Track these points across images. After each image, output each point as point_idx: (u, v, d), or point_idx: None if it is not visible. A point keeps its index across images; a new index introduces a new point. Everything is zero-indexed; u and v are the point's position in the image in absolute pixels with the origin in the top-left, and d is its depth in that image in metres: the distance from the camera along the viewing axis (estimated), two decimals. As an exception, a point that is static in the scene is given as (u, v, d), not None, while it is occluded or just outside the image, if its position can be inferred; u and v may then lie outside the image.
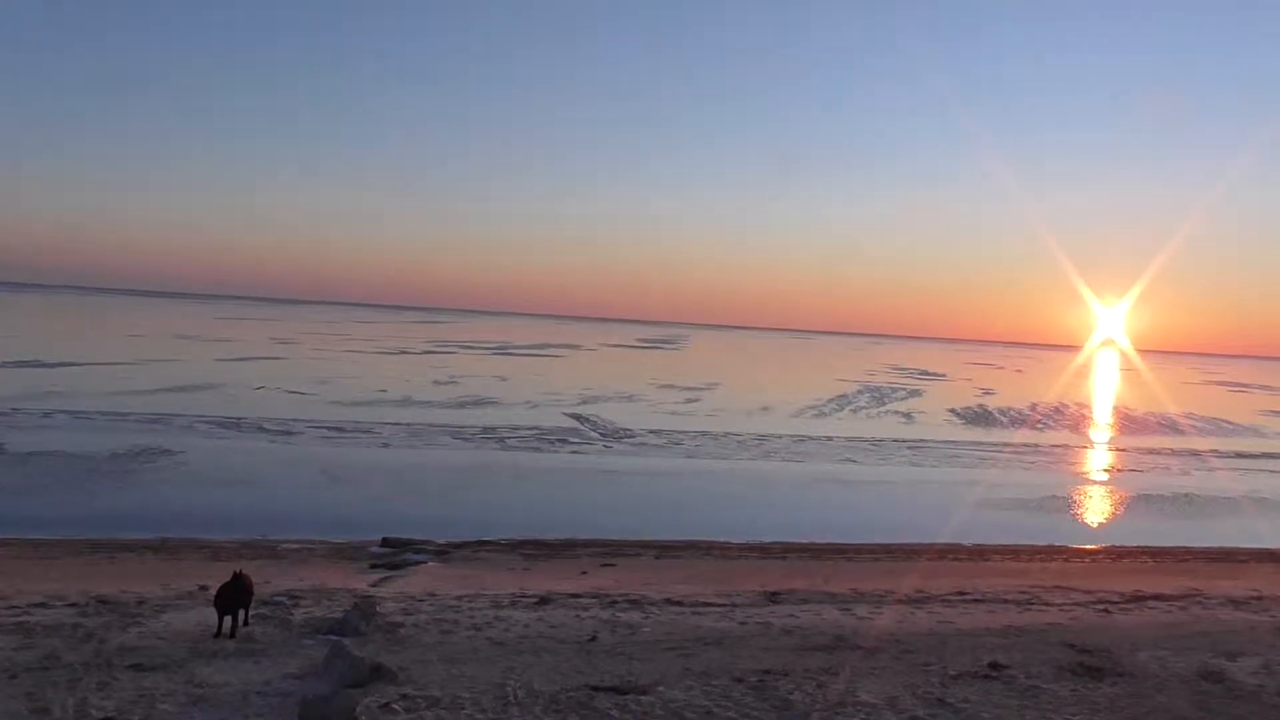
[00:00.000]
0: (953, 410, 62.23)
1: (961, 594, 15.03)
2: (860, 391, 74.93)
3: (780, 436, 41.30)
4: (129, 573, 15.30)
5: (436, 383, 60.62)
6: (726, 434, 41.03)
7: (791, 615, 12.86)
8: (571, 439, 37.18)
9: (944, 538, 22.03)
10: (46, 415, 35.25)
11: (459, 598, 13.28)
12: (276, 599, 12.37)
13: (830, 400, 64.21)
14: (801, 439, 41.07)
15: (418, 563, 17.36)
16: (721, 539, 21.12)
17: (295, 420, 37.53)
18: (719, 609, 13.12)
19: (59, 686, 8.46)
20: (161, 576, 14.61)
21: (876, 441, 41.88)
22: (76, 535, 18.76)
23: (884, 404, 64.15)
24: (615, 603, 13.28)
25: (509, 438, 36.46)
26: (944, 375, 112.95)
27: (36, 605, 11.84)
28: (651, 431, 40.42)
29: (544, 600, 13.24)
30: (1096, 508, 30.02)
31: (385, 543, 18.99)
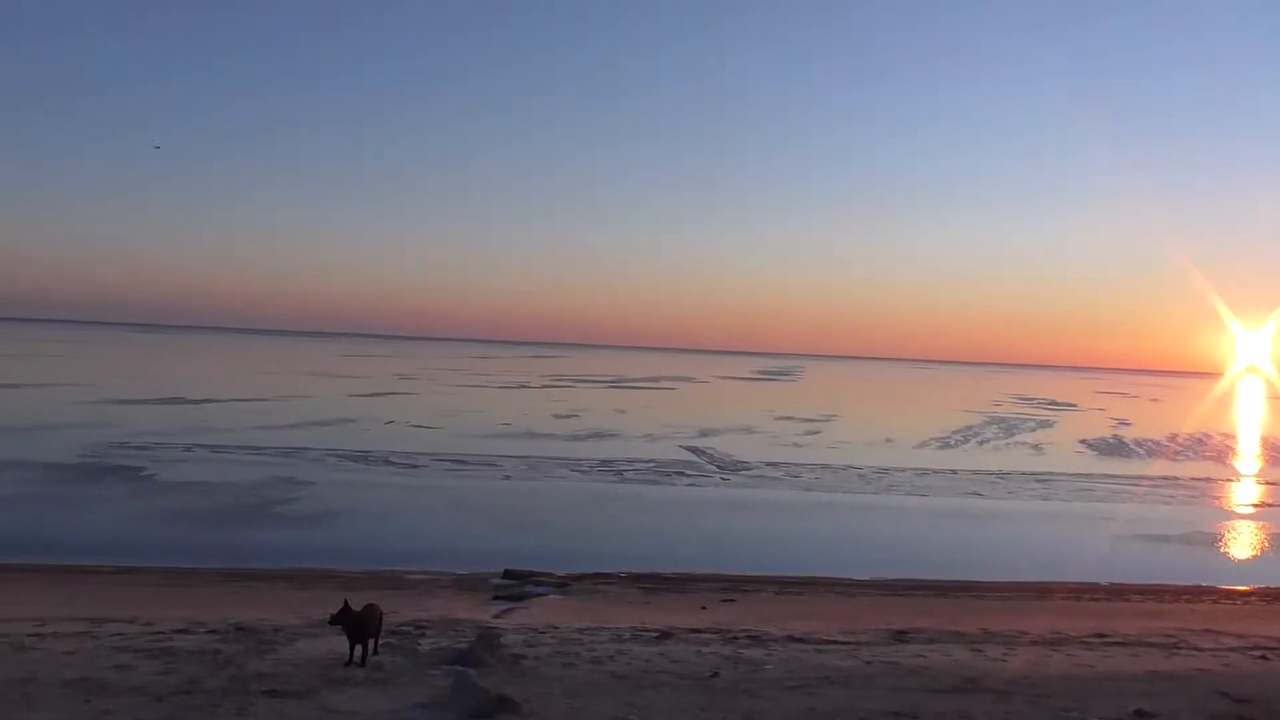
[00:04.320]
0: (1084, 441, 59.64)
1: (1100, 636, 14.27)
2: (986, 423, 72.60)
3: (902, 469, 40.29)
4: (264, 601, 15.88)
5: (555, 416, 61.44)
6: (847, 467, 40.27)
7: (919, 655, 12.43)
8: (688, 471, 37.09)
9: (1078, 576, 21.00)
10: (188, 449, 37.15)
11: (580, 630, 13.31)
12: (403, 628, 12.63)
13: (954, 432, 62.37)
14: (924, 472, 39.96)
15: (539, 595, 17.51)
16: (843, 575, 20.66)
17: (420, 453, 38.54)
18: (843, 647, 12.79)
19: (200, 711, 8.80)
20: (294, 605, 15.11)
21: (1004, 474, 40.42)
22: (216, 564, 19.63)
23: (1011, 435, 61.92)
24: (736, 639, 13.09)
25: (626, 470, 36.60)
26: (1074, 405, 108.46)
27: (179, 631, 12.38)
28: (769, 464, 39.99)
29: (664, 635, 13.15)
30: (1245, 545, 28.22)
31: (507, 574, 19.22)
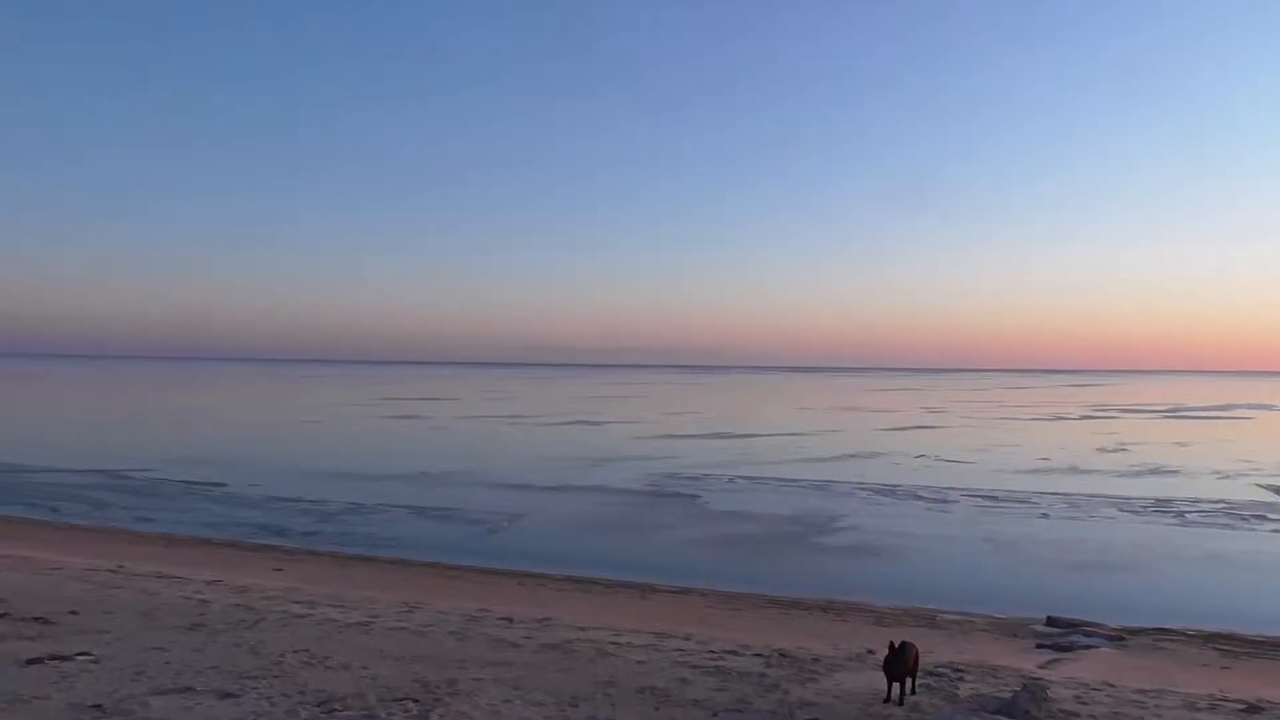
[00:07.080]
0: None
1: None
2: None
3: None
4: (802, 630, 16.50)
5: (1099, 450, 56.27)
6: None
7: None
8: (1271, 515, 31.62)
9: None
10: (731, 480, 40.17)
11: (1142, 692, 11.88)
12: (939, 670, 12.30)
13: None
14: None
15: (1088, 646, 16.02)
16: None
17: (950, 489, 37.61)
18: None
19: (751, 730, 9.32)
20: (831, 636, 15.49)
21: None
22: (758, 590, 20.85)
23: None
24: (1353, 723, 10.76)
25: (1188, 512, 32.24)
26: None
27: (729, 652, 13.30)
28: (1387, 510, 32.67)
29: (1253, 708, 11.23)
30: None
31: (1050, 621, 17.89)
